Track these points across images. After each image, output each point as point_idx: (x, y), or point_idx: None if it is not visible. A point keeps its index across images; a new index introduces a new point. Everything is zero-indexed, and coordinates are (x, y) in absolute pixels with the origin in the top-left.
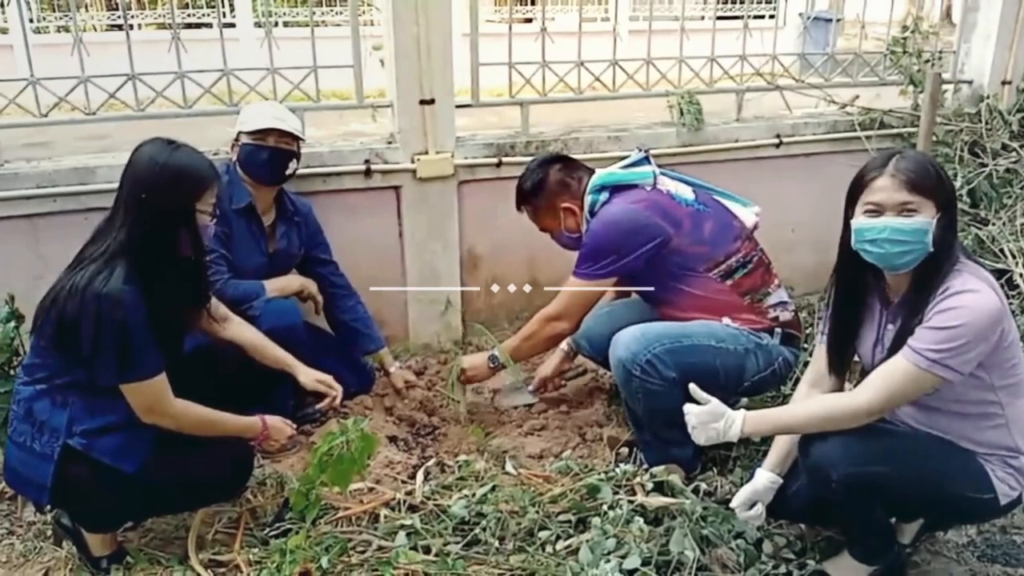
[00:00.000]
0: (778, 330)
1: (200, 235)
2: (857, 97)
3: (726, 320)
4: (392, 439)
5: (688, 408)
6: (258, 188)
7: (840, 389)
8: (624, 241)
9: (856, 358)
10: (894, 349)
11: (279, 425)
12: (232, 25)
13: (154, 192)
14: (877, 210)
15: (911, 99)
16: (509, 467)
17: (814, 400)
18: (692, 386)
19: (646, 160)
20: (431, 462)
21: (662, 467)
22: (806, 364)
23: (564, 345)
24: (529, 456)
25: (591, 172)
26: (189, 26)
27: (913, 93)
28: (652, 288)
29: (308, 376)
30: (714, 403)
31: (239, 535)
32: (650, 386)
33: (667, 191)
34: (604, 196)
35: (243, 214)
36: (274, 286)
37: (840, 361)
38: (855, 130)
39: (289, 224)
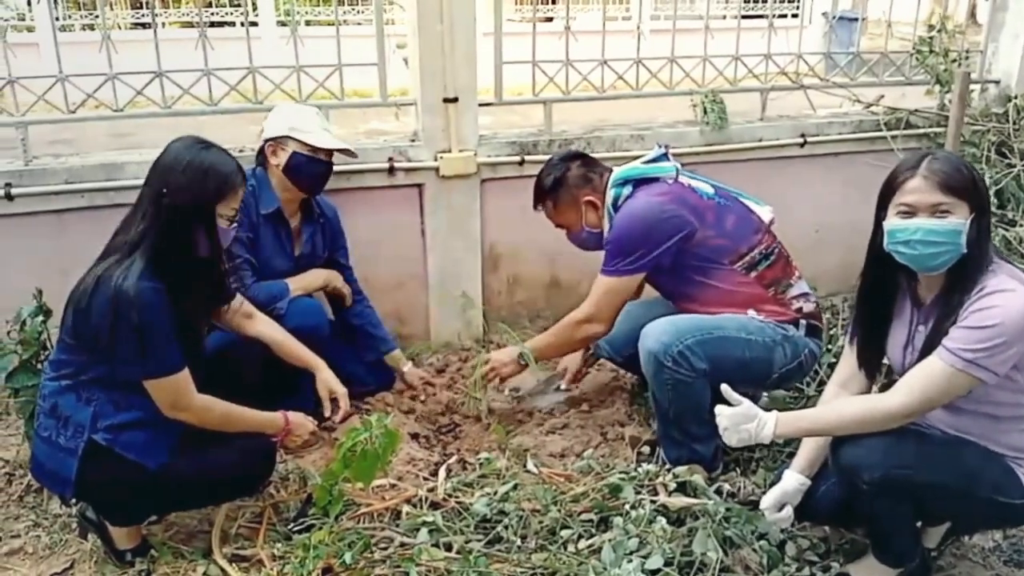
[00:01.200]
0: (803, 321)
1: (218, 238)
2: (882, 97)
3: (751, 312)
4: (414, 436)
5: (720, 409)
6: (288, 192)
7: (868, 391)
8: (651, 234)
9: (885, 360)
10: (927, 350)
11: (301, 421)
12: (255, 24)
13: (175, 188)
14: (910, 211)
15: (937, 99)
16: (531, 465)
17: (846, 402)
18: (724, 387)
19: (665, 156)
20: (452, 459)
21: (685, 467)
22: (830, 365)
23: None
24: (550, 455)
25: (610, 170)
26: (212, 24)
27: (939, 93)
28: (676, 285)
29: (324, 381)
30: (746, 404)
31: (262, 530)
32: (680, 377)
33: (688, 185)
34: (627, 190)
35: (270, 219)
36: (298, 284)
37: (871, 362)
38: (881, 130)
39: (315, 227)
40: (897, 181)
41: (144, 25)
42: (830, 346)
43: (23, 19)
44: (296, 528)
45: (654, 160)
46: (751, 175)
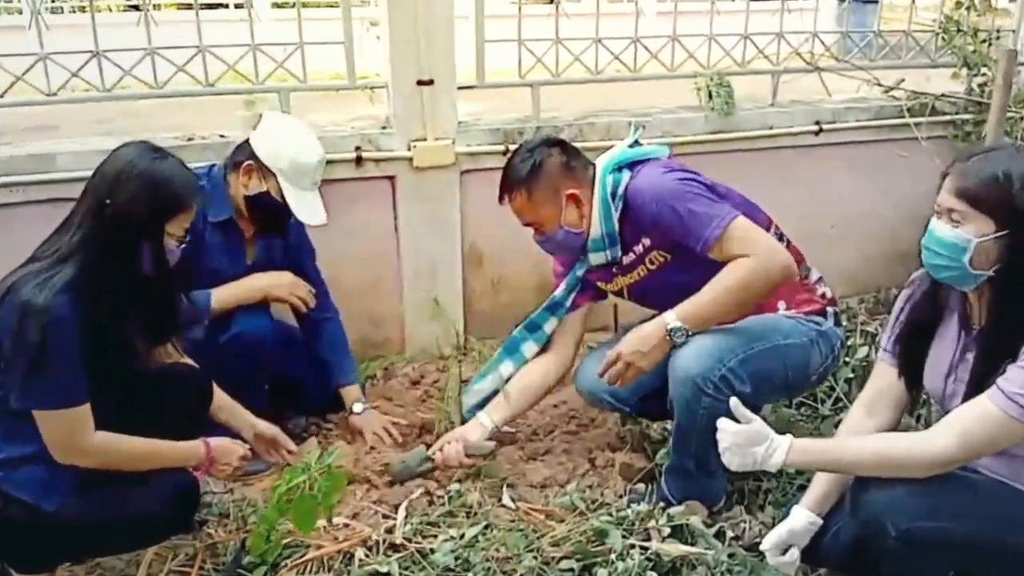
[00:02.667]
0: (830, 310)
1: (165, 257)
2: (902, 80)
3: (781, 306)
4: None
5: (724, 425)
6: (243, 212)
7: (900, 416)
8: (700, 188)
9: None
10: (975, 386)
11: (227, 448)
12: (224, 5)
13: (121, 200)
14: (937, 211)
15: (965, 83)
16: (506, 499)
17: (876, 438)
18: (734, 401)
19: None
20: (417, 493)
21: (681, 507)
22: (847, 381)
23: (487, 420)
24: (530, 485)
25: (592, 163)
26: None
27: (967, 76)
28: (696, 277)
29: (250, 433)
30: (756, 423)
31: (195, 571)
32: (719, 404)
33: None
34: (626, 174)
35: (220, 225)
36: (228, 293)
37: (915, 374)
38: (903, 116)
39: (270, 241)
40: (945, 172)
41: (135, 7)
42: (847, 359)
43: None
44: None
45: (634, 144)
46: (761, 166)
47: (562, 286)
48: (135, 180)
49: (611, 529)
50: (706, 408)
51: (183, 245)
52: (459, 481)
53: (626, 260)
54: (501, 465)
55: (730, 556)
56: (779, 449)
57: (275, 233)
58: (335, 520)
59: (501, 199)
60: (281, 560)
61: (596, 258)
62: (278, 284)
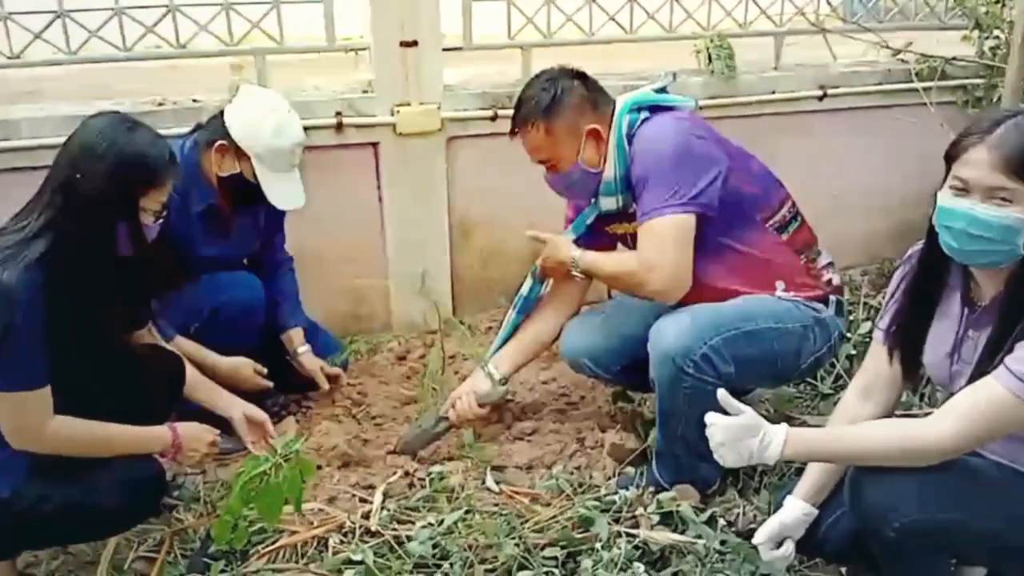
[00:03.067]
0: (833, 298)
1: (143, 234)
2: (911, 43)
3: (780, 285)
4: (361, 441)
5: (713, 419)
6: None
7: (896, 401)
8: (693, 160)
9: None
10: (981, 367)
11: (195, 434)
12: None
13: (91, 175)
14: (963, 188)
15: (976, 46)
16: (490, 482)
17: (876, 426)
18: (722, 393)
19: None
20: (396, 475)
21: (670, 494)
22: (848, 357)
23: (495, 371)
24: (516, 467)
25: (614, 100)
26: None
27: (979, 39)
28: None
29: (239, 421)
30: (748, 414)
31: (158, 564)
32: (702, 386)
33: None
34: (644, 115)
35: (202, 215)
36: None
37: (912, 358)
38: (911, 81)
39: (252, 211)
40: (960, 146)
41: None
42: (849, 334)
43: None
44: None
45: (660, 91)
46: (762, 132)
47: (568, 231)
48: (105, 154)
49: (597, 516)
50: (688, 389)
51: (161, 220)
52: (441, 463)
53: (632, 208)
54: (488, 444)
55: (722, 543)
56: (774, 441)
57: (252, 207)
58: (311, 505)
59: (513, 132)
60: (252, 546)
61: (607, 203)
62: (240, 377)
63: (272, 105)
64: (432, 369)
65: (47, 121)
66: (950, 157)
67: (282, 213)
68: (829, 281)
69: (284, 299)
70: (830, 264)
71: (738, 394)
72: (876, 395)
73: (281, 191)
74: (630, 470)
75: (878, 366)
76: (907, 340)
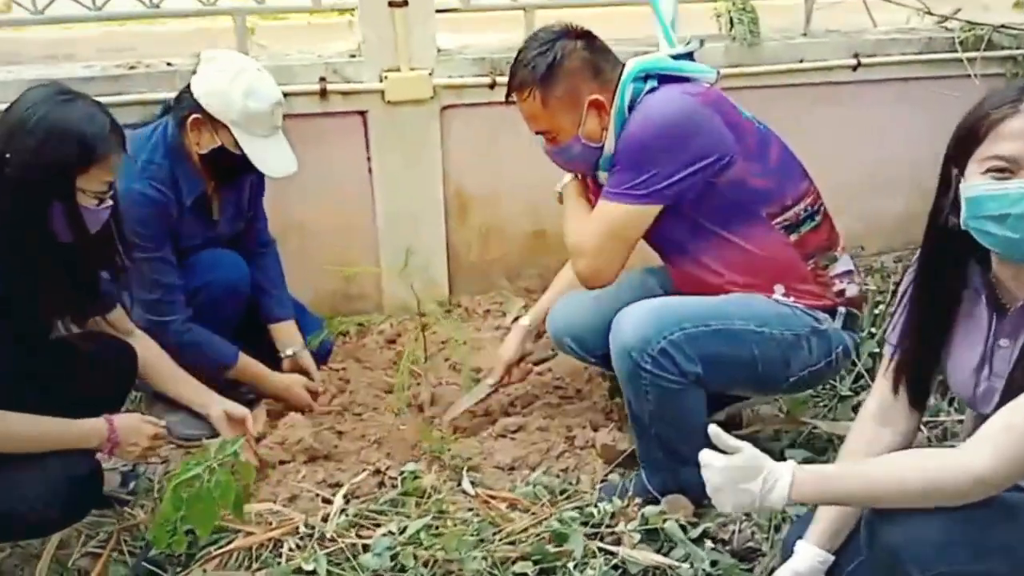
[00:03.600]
0: (841, 310)
1: (81, 219)
2: (958, 10)
3: (778, 289)
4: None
5: (707, 460)
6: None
7: (916, 427)
8: (678, 145)
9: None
10: (1015, 380)
11: (134, 426)
12: None
13: (20, 152)
14: (1006, 168)
15: None
16: (466, 484)
17: (897, 461)
18: (713, 428)
19: (691, 56)
20: (364, 474)
21: (657, 508)
22: (872, 355)
23: (525, 319)
24: (497, 467)
25: (623, 63)
26: None
27: None
28: (685, 237)
29: (218, 418)
30: (747, 452)
31: (100, 564)
32: (664, 384)
33: (726, 96)
34: (651, 84)
35: (194, 205)
36: (253, 370)
37: (919, 389)
38: (955, 50)
39: (237, 189)
40: (987, 121)
41: None
42: (873, 329)
43: None
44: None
45: (682, 57)
46: (790, 104)
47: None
48: (35, 130)
49: (572, 531)
50: (649, 386)
51: (105, 204)
52: (416, 460)
53: None
54: (468, 441)
55: (713, 564)
56: (780, 483)
57: (233, 185)
58: (265, 506)
59: (508, 99)
60: (201, 549)
61: (604, 177)
62: (289, 391)
63: (238, 66)
64: (411, 357)
65: (11, 85)
66: (971, 138)
67: (262, 191)
68: (841, 292)
69: (271, 286)
70: (848, 273)
71: (726, 399)
72: (894, 419)
73: (269, 158)
74: (613, 479)
75: (892, 389)
76: (917, 359)
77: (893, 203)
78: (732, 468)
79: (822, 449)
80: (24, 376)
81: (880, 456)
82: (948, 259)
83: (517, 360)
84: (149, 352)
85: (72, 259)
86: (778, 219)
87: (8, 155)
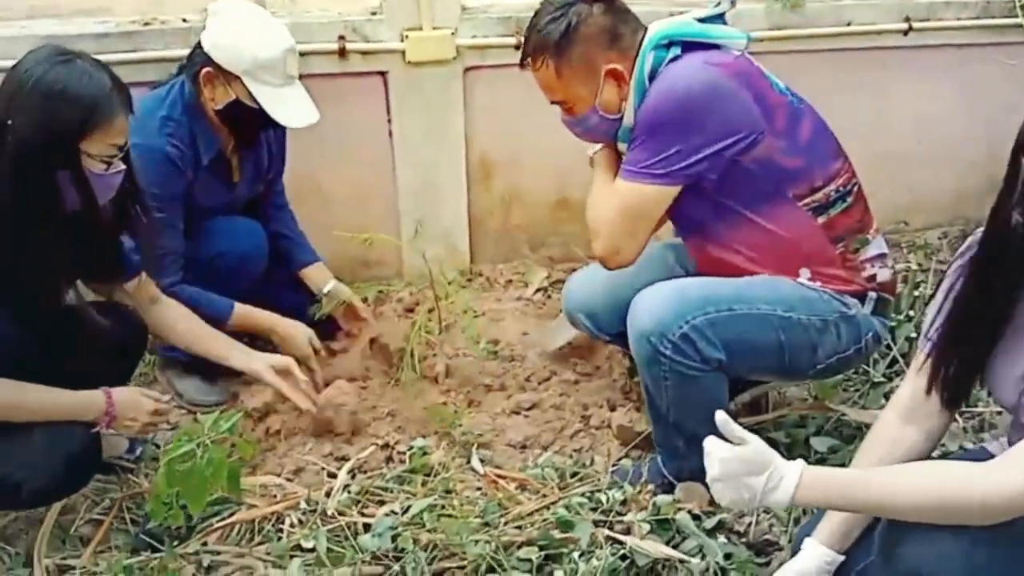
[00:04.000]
0: (872, 295)
1: (90, 188)
2: None
3: (804, 273)
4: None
5: (711, 448)
6: (224, 131)
7: (947, 425)
8: (701, 121)
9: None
10: None
11: (133, 400)
12: None
13: (20, 119)
14: None
15: None
16: (475, 463)
17: (918, 470)
18: (721, 416)
19: (723, 19)
20: (371, 449)
21: (669, 497)
22: (908, 339)
23: None
24: (509, 445)
25: (644, 27)
26: None
27: None
28: (707, 217)
29: (251, 365)
30: (753, 444)
31: (101, 532)
32: (684, 371)
33: (758, 66)
34: (675, 52)
35: (211, 165)
36: (249, 319)
37: (956, 391)
38: (1016, 15)
39: (258, 147)
40: None
41: None
42: (911, 311)
43: None
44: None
45: (713, 20)
46: (832, 71)
47: None
48: (33, 94)
49: (579, 520)
50: (668, 373)
51: (115, 169)
52: (427, 436)
53: None
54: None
55: (726, 558)
56: (784, 482)
57: (253, 142)
58: (266, 479)
59: (523, 62)
60: (203, 520)
61: (623, 148)
62: (293, 339)
63: (246, 14)
64: (424, 328)
65: (21, 40)
66: None
67: (283, 153)
68: (872, 277)
69: (293, 233)
70: (880, 257)
71: (745, 384)
72: (923, 418)
73: (287, 110)
74: (626, 464)
75: (923, 387)
76: (959, 361)
77: (941, 177)
78: (736, 459)
79: (850, 437)
80: (28, 345)
81: (897, 464)
82: (1009, 261)
83: None
84: (180, 318)
85: (86, 227)
86: (806, 200)
87: (9, 123)
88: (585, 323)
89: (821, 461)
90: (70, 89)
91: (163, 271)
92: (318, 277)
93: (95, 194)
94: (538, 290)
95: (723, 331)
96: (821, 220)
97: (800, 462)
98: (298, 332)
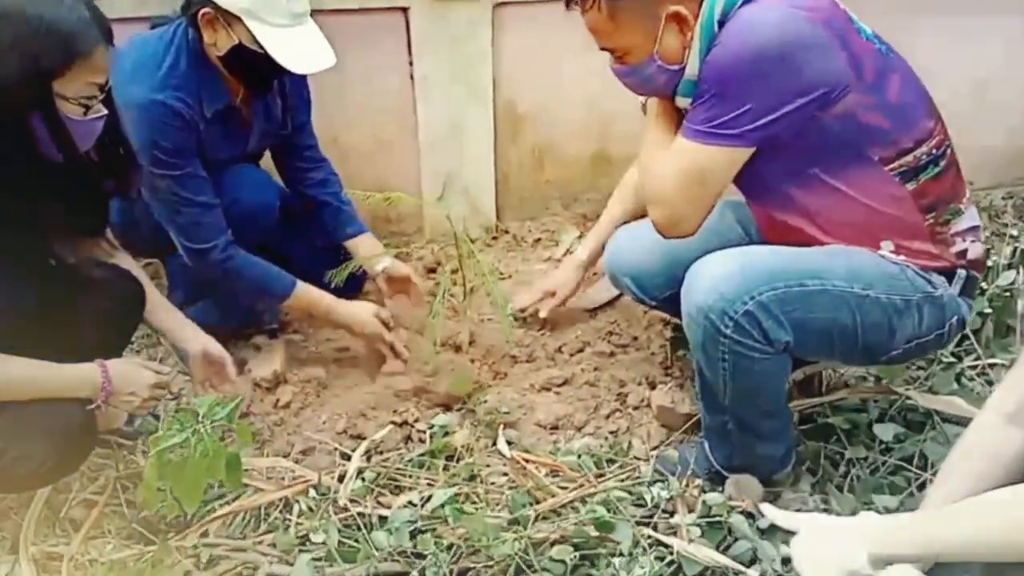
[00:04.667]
0: (961, 273)
1: (67, 132)
2: None
3: (886, 245)
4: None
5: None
6: (232, 79)
7: None
8: (780, 74)
9: None
10: None
11: (132, 374)
12: None
13: None
14: None
15: None
16: (502, 445)
17: (1011, 501)
18: (767, 509)
19: None
20: (385, 430)
21: (720, 497)
22: (981, 314)
23: (583, 253)
24: (538, 425)
25: None
26: None
27: None
28: (778, 179)
29: (196, 348)
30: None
31: (92, 517)
32: (744, 352)
33: (844, 9)
34: None
35: (219, 116)
36: (303, 300)
37: None
38: None
39: (270, 97)
40: None
41: None
42: (984, 284)
43: None
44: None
45: None
46: (888, 8)
47: None
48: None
49: (619, 521)
50: (728, 354)
51: (95, 113)
52: (448, 411)
53: None
54: (505, 390)
55: (784, 563)
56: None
57: (267, 90)
58: (271, 462)
59: (569, 4)
60: (205, 505)
61: (683, 103)
62: (364, 324)
63: None
64: (448, 292)
65: None
66: None
67: (305, 103)
68: (963, 252)
69: (336, 199)
70: (972, 230)
71: (797, 361)
72: None
73: (294, 52)
74: (671, 455)
75: None
76: None
77: (1001, 130)
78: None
79: (918, 425)
80: (25, 306)
81: (988, 494)
82: None
83: (563, 298)
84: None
85: (68, 177)
86: (892, 164)
87: None
88: (629, 285)
89: (886, 452)
90: (43, 24)
91: (210, 232)
92: (368, 251)
93: (74, 142)
94: (569, 250)
95: (792, 309)
96: (910, 187)
97: (872, 519)
98: (360, 311)
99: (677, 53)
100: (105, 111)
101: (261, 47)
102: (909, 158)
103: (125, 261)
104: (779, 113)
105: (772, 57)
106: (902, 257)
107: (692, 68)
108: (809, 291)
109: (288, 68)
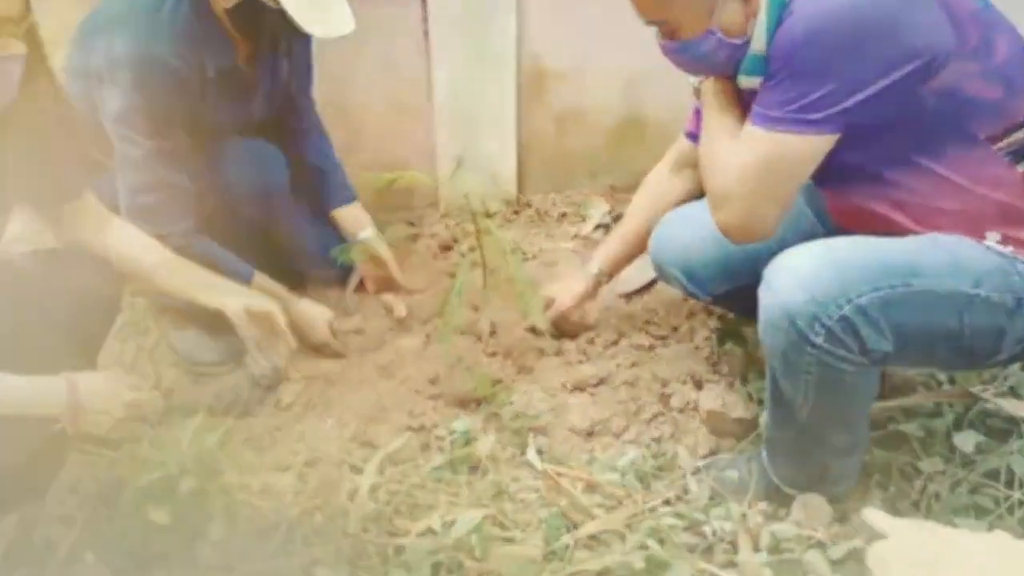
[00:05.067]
0: None
1: None
2: None
3: (992, 236)
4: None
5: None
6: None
7: None
8: (870, 46)
9: None
10: None
11: (107, 389)
12: None
13: None
14: None
15: None
16: (532, 455)
17: None
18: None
19: None
20: (401, 440)
21: (788, 527)
22: None
23: (594, 265)
24: (571, 431)
25: None
26: None
27: None
28: (866, 161)
29: (236, 307)
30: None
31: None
32: (834, 363)
33: None
34: None
35: (221, 76)
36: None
37: None
38: None
39: (275, 54)
40: None
41: None
42: None
43: None
44: None
45: None
46: None
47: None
48: None
49: (676, 559)
50: (814, 366)
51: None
52: (471, 412)
53: None
54: (533, 390)
55: None
56: None
57: (275, 50)
58: (284, 476)
59: None
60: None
61: (748, 82)
62: (313, 329)
63: None
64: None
65: None
66: None
67: (309, 59)
68: None
69: (327, 166)
70: None
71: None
72: None
73: (314, 12)
74: (732, 476)
75: None
76: None
77: None
78: None
79: (1003, 433)
80: None
81: None
82: None
83: (560, 311)
84: (135, 244)
85: None
86: (1001, 142)
87: None
88: (680, 279)
89: (968, 464)
90: None
91: (168, 214)
92: (352, 221)
93: None
94: (598, 226)
95: (897, 314)
96: (1021, 169)
97: None
98: (315, 314)
99: (740, 24)
100: (23, 50)
101: (277, 2)
102: (1020, 134)
103: (120, 226)
104: (870, 92)
105: (861, 23)
106: (1011, 248)
107: (759, 41)
108: (915, 291)
109: (306, 30)
